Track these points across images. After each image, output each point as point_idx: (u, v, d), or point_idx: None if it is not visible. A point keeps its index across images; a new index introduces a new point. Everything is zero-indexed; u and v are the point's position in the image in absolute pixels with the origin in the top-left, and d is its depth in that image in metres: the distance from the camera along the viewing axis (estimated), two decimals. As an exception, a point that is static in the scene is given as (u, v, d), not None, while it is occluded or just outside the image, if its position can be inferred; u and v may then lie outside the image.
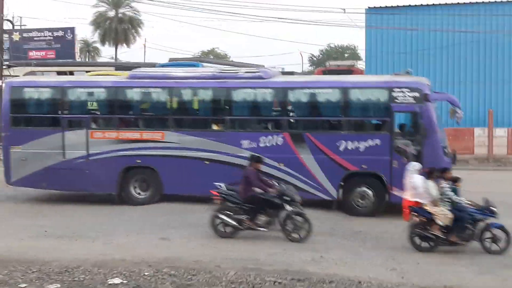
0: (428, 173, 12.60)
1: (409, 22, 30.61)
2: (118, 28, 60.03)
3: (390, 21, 30.99)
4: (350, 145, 15.63)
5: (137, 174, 17.06)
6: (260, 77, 16.60)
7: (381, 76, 18.26)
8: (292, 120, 16.46)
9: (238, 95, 16.55)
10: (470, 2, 30.53)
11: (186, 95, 17.07)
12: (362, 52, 44.98)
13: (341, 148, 15.67)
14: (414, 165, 12.94)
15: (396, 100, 15.38)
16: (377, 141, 15.48)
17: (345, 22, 67.92)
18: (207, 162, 16.44)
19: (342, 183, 15.81)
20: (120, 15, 61.15)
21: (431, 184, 12.36)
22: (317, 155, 15.82)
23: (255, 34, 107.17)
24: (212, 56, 69.05)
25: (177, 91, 16.95)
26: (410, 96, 15.37)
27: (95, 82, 18.15)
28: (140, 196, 17.08)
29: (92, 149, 17.01)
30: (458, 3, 30.73)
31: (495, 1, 30.19)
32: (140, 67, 21.36)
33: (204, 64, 27.69)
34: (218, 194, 12.99)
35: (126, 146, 16.90)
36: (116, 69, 30.24)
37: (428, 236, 12.12)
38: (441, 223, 11.98)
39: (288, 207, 12.71)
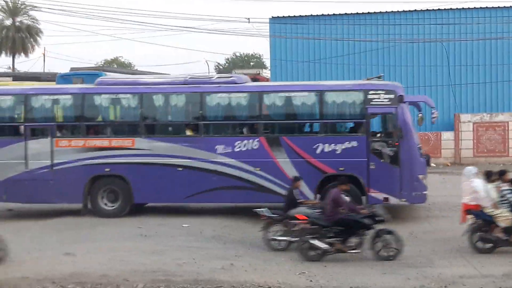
0: (487, 176, 12.91)
1: (311, 32, 31.38)
2: (16, 37, 57.77)
3: (294, 31, 31.65)
4: (327, 148, 15.63)
5: (105, 184, 16.51)
6: (234, 82, 16.57)
7: (356, 81, 18.41)
8: (268, 124, 16.30)
9: (212, 100, 16.29)
10: (368, 12, 31.70)
11: (158, 100, 16.62)
12: (267, 61, 45.64)
13: (318, 151, 15.66)
14: (470, 170, 13.00)
15: (371, 103, 15.57)
16: (354, 143, 15.55)
17: (250, 31, 68.75)
18: (180, 169, 16.07)
19: (319, 186, 15.73)
20: (17, 23, 58.89)
21: (491, 187, 12.63)
22: (294, 159, 15.75)
23: (160, 43, 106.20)
24: (115, 65, 67.77)
25: (149, 96, 16.57)
26: (385, 98, 15.58)
27: (61, 89, 17.60)
28: (108, 208, 16.56)
29: (57, 158, 16.40)
30: (357, 13, 31.82)
31: (392, 11, 31.50)
32: (40, 77, 20.76)
33: (108, 73, 27.13)
34: (305, 218, 12.20)
35: (94, 154, 16.37)
36: (14, 80, 29.01)
37: (489, 238, 12.34)
38: (502, 225, 12.21)
39: (377, 226, 12.08)
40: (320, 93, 15.96)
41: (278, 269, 11.41)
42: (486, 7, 31.02)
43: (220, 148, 15.96)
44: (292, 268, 11.43)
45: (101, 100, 16.72)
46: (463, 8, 31.42)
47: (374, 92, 15.65)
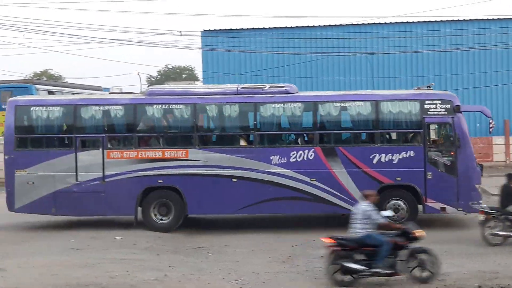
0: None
1: (242, 45, 31.57)
2: None
3: (225, 43, 31.77)
4: (384, 158, 15.32)
5: (158, 196, 15.85)
6: (287, 92, 16.06)
7: (411, 90, 17.75)
8: (323, 134, 15.88)
9: (266, 110, 15.84)
10: (297, 27, 32.22)
11: (211, 111, 16.11)
12: (199, 73, 45.54)
13: (375, 161, 15.35)
14: None
15: (428, 112, 15.42)
16: (411, 153, 15.29)
17: (182, 44, 68.44)
18: (234, 180, 15.56)
19: None
20: None
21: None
22: (350, 169, 15.39)
23: (91, 55, 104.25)
24: (45, 77, 65.98)
25: (202, 107, 16.06)
26: (441, 108, 15.43)
27: (111, 99, 16.72)
28: (161, 221, 15.91)
29: (108, 170, 15.73)
30: (286, 27, 32.29)
31: (319, 26, 32.12)
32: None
33: (37, 86, 26.45)
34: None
35: (147, 166, 15.72)
36: None
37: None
38: None
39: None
40: (376, 102, 15.67)
41: (212, 278, 11.39)
42: (407, 22, 32.10)
43: (275, 158, 15.56)
44: (225, 277, 11.43)
45: (154, 110, 16.10)
46: (385, 23, 32.38)
47: (430, 101, 15.52)
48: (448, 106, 15.44)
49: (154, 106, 16.00)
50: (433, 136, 16.31)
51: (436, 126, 16.13)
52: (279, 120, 15.99)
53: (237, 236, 15.48)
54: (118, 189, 15.66)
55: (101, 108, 16.12)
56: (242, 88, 16.29)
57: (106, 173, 15.72)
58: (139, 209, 15.95)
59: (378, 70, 30.92)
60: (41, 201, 15.80)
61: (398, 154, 15.28)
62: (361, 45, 30.91)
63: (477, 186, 15.41)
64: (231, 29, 32.74)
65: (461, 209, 15.20)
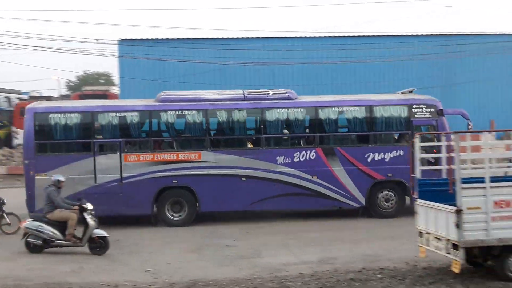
0: None
1: (156, 53, 31.20)
2: None
3: (140, 52, 31.28)
4: (377, 157, 15.71)
5: (172, 195, 15.67)
6: (289, 98, 16.30)
7: (394, 95, 17.66)
8: (323, 136, 16.11)
9: (272, 115, 15.98)
10: (207, 38, 32.31)
11: (221, 116, 16.06)
12: (116, 79, 44.53)
13: (369, 159, 15.72)
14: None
15: (415, 116, 15.95)
16: (401, 152, 15.65)
17: (99, 51, 66.56)
18: (243, 179, 15.63)
19: (370, 191, 15.86)
20: None
21: None
22: (348, 167, 15.74)
23: (11, 60, 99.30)
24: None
25: (213, 112, 15.99)
26: (427, 111, 16.03)
27: (127, 106, 16.28)
28: (174, 218, 15.71)
29: (125, 172, 15.47)
30: (197, 38, 32.28)
31: (227, 38, 32.33)
32: None
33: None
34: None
35: (162, 167, 15.59)
36: None
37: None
38: None
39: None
40: (370, 107, 16.09)
41: (126, 268, 11.23)
42: (305, 36, 32.94)
43: (280, 159, 15.76)
44: (139, 267, 11.29)
45: (167, 116, 15.98)
46: (286, 37, 33.04)
47: (417, 106, 16.12)
48: (433, 110, 16.13)
49: (168, 112, 15.98)
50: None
51: (422, 128, 16.51)
52: (283, 124, 16.25)
53: (152, 229, 15.32)
54: (135, 189, 15.50)
55: (117, 114, 15.87)
56: (249, 94, 16.48)
57: (124, 175, 15.50)
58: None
59: (279, 79, 31.42)
60: None
61: (389, 153, 15.83)
62: (264, 56, 31.34)
63: None
64: (146, 39, 32.29)
65: None
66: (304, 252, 12.30)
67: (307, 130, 16.49)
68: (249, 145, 16.34)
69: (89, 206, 12.57)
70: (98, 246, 12.33)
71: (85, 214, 12.38)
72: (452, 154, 9.66)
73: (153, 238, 14.08)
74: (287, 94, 16.43)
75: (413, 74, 31.70)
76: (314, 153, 15.90)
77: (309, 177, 15.82)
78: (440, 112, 16.15)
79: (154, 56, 31.06)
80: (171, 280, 10.23)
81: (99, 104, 16.91)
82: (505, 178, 10.34)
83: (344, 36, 32.86)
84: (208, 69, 31.01)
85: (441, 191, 10.33)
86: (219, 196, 15.65)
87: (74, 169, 15.35)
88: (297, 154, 15.89)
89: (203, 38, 32.31)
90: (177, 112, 16.02)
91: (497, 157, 10.57)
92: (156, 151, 15.77)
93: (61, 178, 13.00)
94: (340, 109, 16.24)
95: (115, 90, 37.90)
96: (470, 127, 16.68)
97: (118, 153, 15.58)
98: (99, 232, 12.37)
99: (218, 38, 32.31)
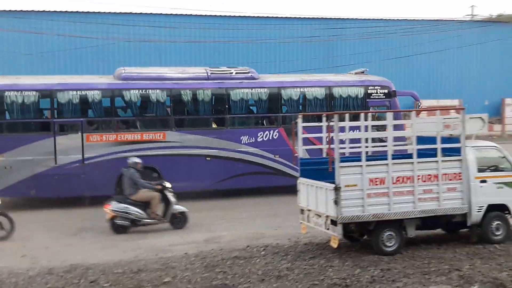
0: None
1: (33, 26, 29.38)
2: None
3: (15, 25, 29.27)
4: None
5: None
6: (252, 78, 16.59)
7: (350, 75, 18.03)
8: (285, 116, 16.34)
9: (236, 95, 16.13)
10: (88, 12, 30.94)
11: (186, 95, 15.93)
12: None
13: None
14: None
15: (371, 96, 16.61)
16: (357, 131, 15.03)
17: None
18: (208, 159, 15.76)
19: None
20: None
21: None
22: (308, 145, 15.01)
23: None
24: None
25: (177, 92, 15.84)
26: (381, 93, 16.78)
27: (88, 84, 15.76)
28: None
29: (88, 153, 15.04)
30: (78, 11, 30.81)
31: (110, 12, 31.16)
32: None
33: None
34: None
35: (126, 147, 15.22)
36: None
37: None
38: None
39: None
40: (329, 88, 16.61)
41: (1, 254, 10.57)
42: (191, 14, 32.59)
43: (244, 138, 15.95)
44: (15, 252, 10.70)
45: (130, 95, 15.57)
46: (172, 14, 32.48)
47: (372, 87, 16.84)
48: (386, 91, 17.00)
49: (132, 91, 15.60)
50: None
51: (376, 108, 17.10)
52: (248, 103, 16.49)
53: (29, 214, 14.54)
54: (98, 170, 15.02)
55: (78, 92, 15.27)
56: (212, 73, 16.48)
57: (86, 155, 15.05)
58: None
59: (165, 57, 30.92)
60: (20, 184, 14.84)
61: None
62: (150, 33, 30.64)
63: None
64: (22, 11, 30.25)
65: None
66: (189, 232, 12.29)
67: (270, 110, 16.71)
68: (214, 125, 16.44)
69: (168, 184, 12.78)
70: (179, 221, 12.63)
71: (165, 192, 12.64)
72: (332, 134, 10.03)
73: (31, 222, 13.38)
74: (250, 74, 16.75)
75: (297, 56, 32.56)
76: (277, 133, 16.30)
77: (271, 156, 16.26)
78: (393, 93, 17.06)
79: (31, 29, 29.24)
80: (50, 265, 9.76)
81: (59, 81, 15.97)
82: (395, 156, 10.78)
83: (230, 16, 32.95)
84: (91, 44, 29.73)
85: (322, 169, 10.71)
86: (184, 176, 15.48)
87: (32, 150, 14.77)
88: (260, 134, 16.22)
89: (84, 12, 30.89)
90: (140, 91, 15.74)
91: (373, 137, 11.16)
92: (119, 131, 15.46)
93: (138, 160, 13.00)
94: (300, 89, 16.75)
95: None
96: (420, 107, 17.74)
97: (80, 133, 15.05)
98: (179, 208, 12.65)
99: (101, 12, 31.04)
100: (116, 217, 12.27)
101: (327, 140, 10.69)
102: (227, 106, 16.25)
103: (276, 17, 33.41)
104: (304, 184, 10.75)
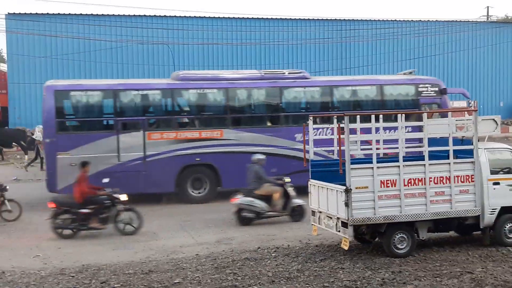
0: None
1: (48, 29, 29.66)
2: None
3: (31, 27, 29.58)
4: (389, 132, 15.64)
5: (194, 172, 15.81)
6: (304, 77, 16.90)
7: (400, 75, 18.52)
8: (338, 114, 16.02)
9: (290, 94, 16.51)
10: (102, 14, 31.13)
11: (242, 94, 16.38)
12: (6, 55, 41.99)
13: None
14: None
15: (422, 94, 16.89)
16: (409, 129, 15.30)
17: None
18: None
19: None
20: None
21: None
22: None
23: None
24: None
25: (233, 91, 16.22)
26: (432, 91, 17.02)
27: (149, 84, 16.47)
28: (196, 194, 15.92)
29: (149, 151, 15.39)
30: (92, 14, 31.04)
31: (124, 15, 31.35)
32: None
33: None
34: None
35: (185, 145, 15.62)
36: None
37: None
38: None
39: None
40: (380, 86, 16.95)
41: (13, 254, 10.68)
42: (204, 16, 32.65)
43: (298, 136, 15.81)
44: (27, 252, 10.77)
45: (189, 94, 16.16)
46: (185, 16, 32.61)
47: (423, 85, 17.13)
48: (437, 89, 17.22)
49: (190, 91, 16.12)
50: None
51: (428, 106, 17.22)
52: (301, 102, 16.83)
53: (43, 213, 14.62)
54: (159, 167, 15.41)
55: (140, 92, 15.83)
56: (265, 73, 16.94)
57: (147, 153, 15.38)
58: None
59: (178, 59, 31.04)
60: None
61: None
62: (163, 35, 30.78)
63: None
64: (36, 13, 30.57)
65: None
66: (201, 233, 12.31)
67: (323, 108, 16.88)
68: (269, 123, 16.60)
69: (288, 179, 13.30)
70: (297, 214, 13.11)
71: (286, 187, 13.14)
72: (342, 136, 9.99)
73: (43, 223, 13.45)
74: (302, 74, 17.13)
75: (309, 58, 32.50)
76: (331, 131, 16.21)
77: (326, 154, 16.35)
78: (443, 91, 17.27)
79: (45, 32, 29.52)
80: (62, 265, 9.84)
81: (121, 82, 16.87)
82: (407, 158, 10.74)
83: (242, 18, 32.98)
84: (105, 47, 29.95)
85: (333, 171, 10.66)
86: (239, 173, 15.40)
87: (97, 147, 15.15)
88: (314, 132, 16.12)
89: (98, 15, 31.12)
90: (198, 90, 16.14)
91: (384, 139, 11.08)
92: (179, 129, 15.86)
93: (262, 157, 13.62)
94: (354, 88, 17.04)
95: (3, 66, 35.70)
96: (470, 105, 17.99)
97: (142, 131, 15.42)
98: (298, 201, 13.10)
99: (115, 15, 31.26)
100: (242, 210, 12.93)
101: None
102: (281, 104, 16.66)
103: (289, 19, 33.39)
104: (315, 186, 10.72)
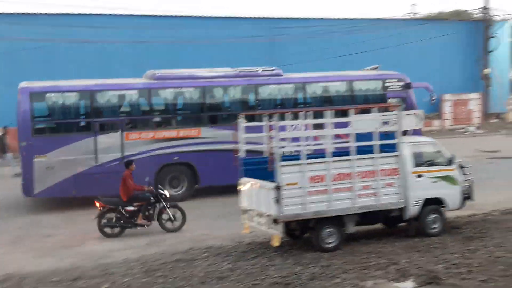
0: None
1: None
2: None
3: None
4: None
5: (172, 171, 15.78)
6: (278, 74, 17.15)
7: (367, 71, 18.74)
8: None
9: (265, 91, 16.75)
10: (24, 13, 30.05)
11: (218, 93, 16.52)
12: None
13: None
14: None
15: (388, 89, 17.42)
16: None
17: None
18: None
19: None
20: None
21: None
22: None
23: None
24: None
25: (210, 89, 16.33)
26: (398, 85, 17.63)
27: (126, 84, 16.33)
28: (174, 193, 15.35)
29: (127, 151, 15.25)
30: (15, 13, 29.88)
31: (47, 14, 30.37)
32: None
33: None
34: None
35: (163, 144, 15.60)
36: None
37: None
38: None
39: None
40: (350, 82, 17.42)
41: None
42: (131, 14, 32.10)
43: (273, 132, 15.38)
44: None
45: (166, 93, 16.12)
46: (113, 15, 31.92)
47: (389, 80, 17.65)
48: (402, 83, 17.78)
49: (167, 90, 16.14)
50: None
51: (394, 100, 17.65)
52: (275, 99, 16.99)
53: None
54: (137, 167, 14.41)
55: (116, 92, 15.77)
56: (240, 72, 16.98)
57: (125, 153, 15.20)
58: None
59: (105, 58, 30.29)
60: (61, 184, 14.91)
61: None
62: (90, 34, 29.99)
63: None
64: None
65: None
66: (131, 237, 12.09)
67: (295, 104, 17.04)
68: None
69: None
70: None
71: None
72: (272, 133, 10.09)
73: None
74: (276, 71, 17.36)
75: (240, 56, 32.58)
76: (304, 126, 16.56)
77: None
78: (409, 86, 17.85)
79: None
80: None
81: (98, 82, 16.42)
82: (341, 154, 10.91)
83: (171, 16, 32.65)
84: (28, 47, 28.88)
85: (263, 169, 10.75)
86: (217, 171, 15.75)
87: (74, 150, 15.02)
88: (288, 128, 16.18)
89: (20, 14, 29.97)
90: (175, 89, 16.22)
91: (311, 136, 11.29)
92: (157, 129, 15.85)
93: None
94: (326, 84, 17.52)
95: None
96: (433, 99, 18.87)
97: (119, 132, 15.36)
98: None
99: (37, 14, 30.18)
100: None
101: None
102: (256, 101, 16.80)
103: (219, 18, 33.36)
104: (246, 184, 10.77)
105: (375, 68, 19.16)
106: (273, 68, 17.81)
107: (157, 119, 16.22)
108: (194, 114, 16.53)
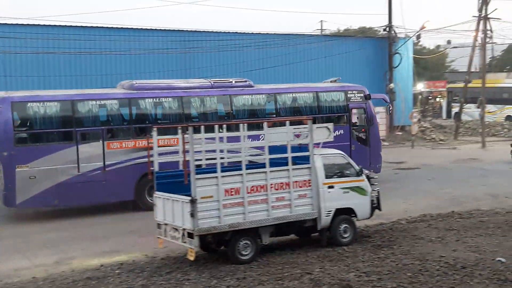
0: None
1: None
2: None
3: None
4: None
5: (151, 181, 13.95)
6: (250, 85, 17.92)
7: (328, 83, 19.86)
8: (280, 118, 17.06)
9: (239, 101, 17.36)
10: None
11: (195, 103, 16.98)
12: None
13: None
14: None
15: (351, 100, 18.49)
16: (341, 131, 17.97)
17: None
18: None
19: None
20: None
21: None
22: None
23: None
24: None
25: (187, 100, 16.83)
26: (358, 96, 18.79)
27: (107, 94, 16.40)
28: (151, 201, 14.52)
29: (108, 160, 15.52)
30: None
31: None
32: None
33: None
34: None
35: (144, 153, 14.70)
36: None
37: None
38: None
39: None
40: (316, 93, 18.30)
41: None
42: (39, 24, 30.98)
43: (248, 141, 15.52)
44: None
45: (146, 103, 16.32)
46: (17, 24, 30.66)
47: (351, 92, 18.85)
48: (362, 95, 18.94)
49: (147, 100, 16.33)
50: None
51: (355, 111, 19.28)
52: (248, 108, 17.61)
53: None
54: (119, 176, 15.51)
55: (98, 102, 15.79)
56: (214, 82, 17.73)
57: (107, 162, 15.39)
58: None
59: (10, 69, 29.00)
60: (43, 194, 14.87)
61: (336, 132, 17.14)
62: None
63: (381, 153, 19.41)
64: None
65: (372, 170, 16.52)
66: (38, 255, 11.60)
67: (268, 114, 17.95)
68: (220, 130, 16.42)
69: None
70: None
71: None
72: (187, 146, 10.07)
73: None
74: (248, 82, 18.10)
75: (152, 68, 32.28)
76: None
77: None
78: (368, 97, 19.07)
79: None
80: None
81: (79, 92, 16.80)
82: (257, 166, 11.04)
83: (81, 27, 31.82)
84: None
85: (179, 182, 10.68)
86: None
87: (56, 159, 14.99)
88: (262, 137, 16.53)
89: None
90: (155, 99, 16.47)
91: (228, 148, 11.37)
92: (137, 138, 15.98)
93: None
94: (293, 95, 18.33)
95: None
96: (390, 109, 20.67)
97: (101, 141, 15.47)
98: None
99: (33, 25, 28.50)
100: None
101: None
102: (231, 111, 17.35)
103: (131, 29, 32.86)
104: (160, 198, 10.66)
105: (335, 81, 20.47)
106: (245, 79, 18.59)
107: (137, 128, 16.51)
108: (173, 123, 16.72)
